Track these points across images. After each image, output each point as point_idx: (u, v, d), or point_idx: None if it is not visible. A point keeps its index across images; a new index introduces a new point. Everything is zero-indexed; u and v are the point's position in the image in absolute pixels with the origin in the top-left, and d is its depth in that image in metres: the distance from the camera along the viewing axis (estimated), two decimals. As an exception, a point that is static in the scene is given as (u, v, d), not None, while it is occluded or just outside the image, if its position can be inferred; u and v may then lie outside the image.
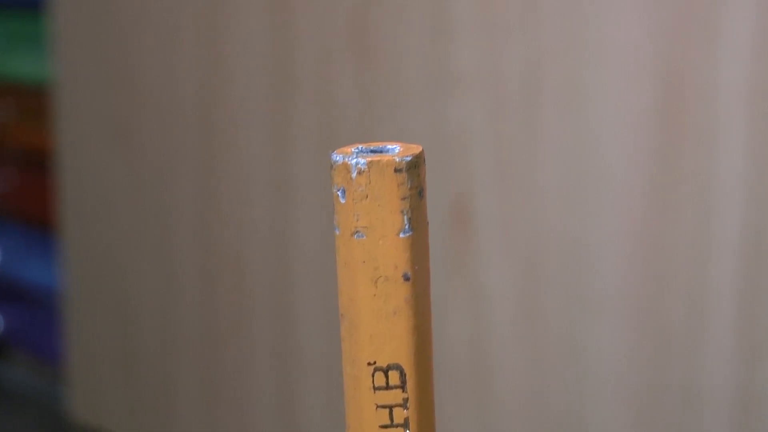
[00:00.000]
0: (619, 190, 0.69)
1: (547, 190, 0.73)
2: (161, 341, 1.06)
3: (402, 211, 0.11)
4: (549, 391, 0.74)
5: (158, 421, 1.08)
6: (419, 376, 0.12)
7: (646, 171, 0.68)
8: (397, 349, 0.12)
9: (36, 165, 1.31)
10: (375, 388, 0.12)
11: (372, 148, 0.12)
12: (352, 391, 0.12)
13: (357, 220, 0.12)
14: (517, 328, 0.75)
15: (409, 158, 0.12)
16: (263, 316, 0.95)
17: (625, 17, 0.68)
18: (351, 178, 0.11)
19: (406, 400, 0.12)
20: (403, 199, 0.12)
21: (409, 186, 0.12)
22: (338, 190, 0.12)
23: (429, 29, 0.78)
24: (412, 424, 0.12)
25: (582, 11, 0.70)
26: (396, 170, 0.11)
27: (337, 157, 0.12)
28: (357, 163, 0.11)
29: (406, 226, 0.12)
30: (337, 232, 0.12)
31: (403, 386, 0.12)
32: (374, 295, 0.12)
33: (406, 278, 0.12)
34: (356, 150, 0.12)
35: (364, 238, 0.11)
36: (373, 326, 0.12)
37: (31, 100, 1.29)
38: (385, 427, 0.12)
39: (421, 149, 0.12)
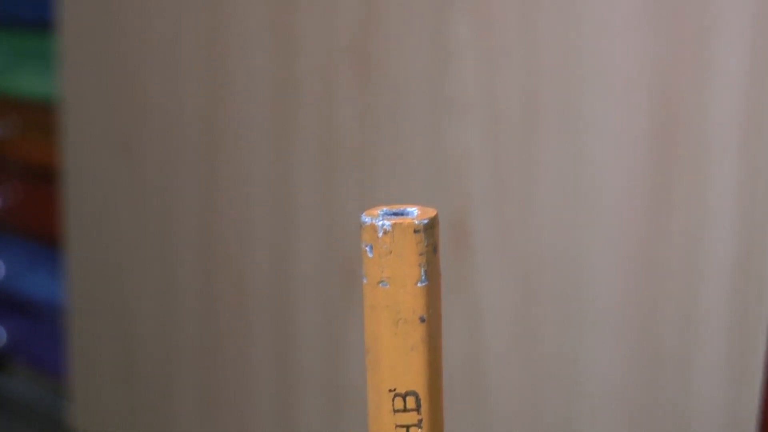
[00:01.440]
0: (613, 213, 0.71)
1: (543, 212, 0.74)
2: (162, 354, 1.07)
3: (419, 265, 0.14)
4: (544, 406, 0.76)
5: (158, 431, 1.09)
6: (432, 401, 0.14)
7: (641, 194, 0.69)
8: (414, 378, 0.14)
9: (39, 179, 1.32)
10: (395, 411, 0.14)
11: (395, 210, 0.14)
12: (375, 413, 0.14)
13: (382, 272, 0.14)
14: (513, 345, 0.77)
15: (426, 221, 0.14)
16: (263, 327, 0.96)
17: (620, 45, 0.69)
18: (377, 237, 0.13)
19: (420, 420, 0.14)
20: (421, 254, 0.14)
21: (425, 244, 0.14)
22: (366, 246, 0.14)
23: (429, 53, 0.79)
24: (426, 440, 0.14)
25: (579, 38, 0.71)
26: (415, 231, 0.14)
27: (366, 218, 0.14)
28: (383, 225, 0.14)
29: (423, 277, 0.14)
30: (365, 281, 0.14)
31: (418, 409, 0.14)
32: (395, 334, 0.14)
33: (422, 320, 0.14)
34: (382, 212, 0.14)
35: (388, 286, 0.14)
36: (394, 360, 0.14)
37: (35, 116, 1.30)
38: (403, 443, 0.14)
39: (435, 212, 0.14)
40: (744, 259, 0.65)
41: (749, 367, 0.66)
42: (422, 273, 0.14)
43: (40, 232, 1.34)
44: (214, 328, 1.01)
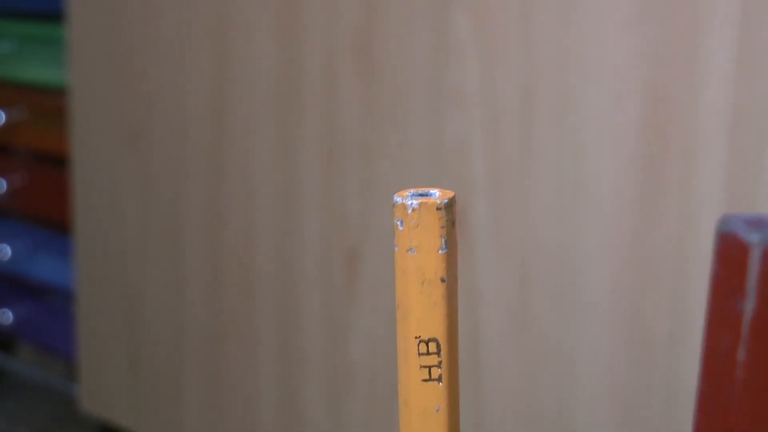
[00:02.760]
0: (607, 202, 0.74)
1: (539, 201, 0.77)
2: (169, 338, 1.09)
3: (441, 236, 0.17)
4: (539, 389, 0.79)
5: (165, 415, 1.11)
6: (449, 346, 0.18)
7: (633, 184, 0.72)
8: (436, 328, 0.17)
9: (47, 165, 1.35)
10: (419, 354, 0.17)
11: (420, 192, 0.17)
12: (404, 357, 0.17)
13: (411, 242, 0.17)
14: (509, 330, 0.80)
15: (446, 201, 0.17)
16: (268, 313, 0.99)
17: (614, 41, 0.72)
18: (407, 213, 0.17)
19: (440, 362, 0.18)
20: (442, 227, 0.17)
21: (446, 219, 0.17)
22: (398, 221, 0.17)
23: (429, 49, 0.82)
24: (444, 378, 0.17)
25: (575, 35, 0.74)
26: (437, 209, 0.17)
27: (398, 198, 0.17)
28: (411, 204, 0.17)
29: (443, 246, 0.17)
30: (396, 249, 0.17)
31: (438, 353, 0.17)
32: (421, 292, 0.17)
33: (443, 281, 0.17)
34: (410, 194, 0.17)
35: (415, 253, 0.17)
36: (420, 313, 0.17)
37: (43, 103, 1.32)
38: (425, 380, 0.18)
39: (453, 194, 0.17)
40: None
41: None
42: (443, 242, 0.17)
43: (47, 217, 1.37)
44: (221, 314, 1.04)
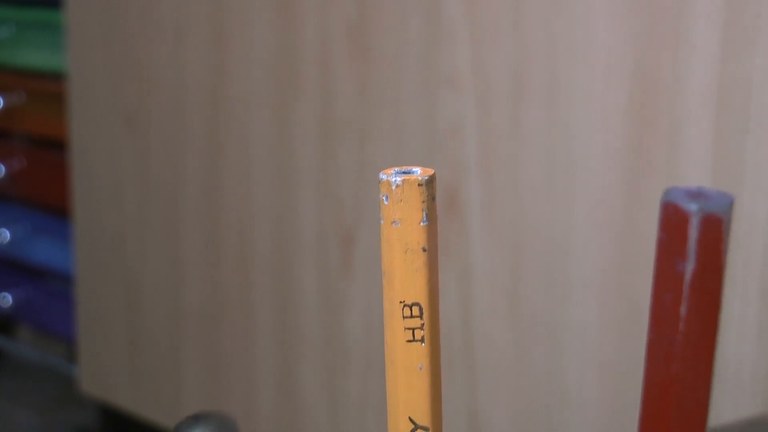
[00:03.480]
0: (596, 181, 0.75)
1: (530, 180, 0.79)
2: (167, 319, 1.11)
3: (422, 210, 0.19)
4: (531, 364, 0.81)
5: (164, 395, 1.13)
6: (431, 310, 0.19)
7: (620, 162, 0.74)
8: (418, 292, 0.19)
9: (45, 150, 1.36)
10: (404, 317, 0.19)
11: (404, 170, 0.19)
12: (390, 320, 0.19)
13: (395, 215, 0.19)
14: (501, 307, 0.82)
15: (426, 177, 0.19)
16: (265, 292, 1.00)
17: (602, 24, 0.74)
18: (392, 189, 0.19)
19: (422, 324, 0.19)
20: (423, 202, 0.19)
21: (426, 194, 0.19)
22: (383, 196, 0.19)
23: (423, 31, 0.83)
24: (426, 339, 0.19)
25: (564, 18, 0.75)
26: (419, 185, 0.19)
27: (383, 176, 0.19)
28: (395, 180, 0.19)
29: (425, 218, 0.19)
30: (382, 222, 0.19)
31: (420, 316, 0.19)
32: (404, 260, 0.19)
33: (424, 250, 0.19)
34: (394, 171, 0.19)
35: (399, 225, 0.19)
36: (404, 279, 0.19)
37: (41, 88, 1.34)
38: (409, 341, 0.19)
39: (433, 172, 0.19)
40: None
41: (723, 323, 0.71)
42: (424, 215, 0.19)
43: (45, 201, 1.38)
44: (218, 295, 1.05)
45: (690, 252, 0.16)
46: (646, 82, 0.72)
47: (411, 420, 0.20)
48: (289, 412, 1.00)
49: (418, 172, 0.19)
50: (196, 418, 0.17)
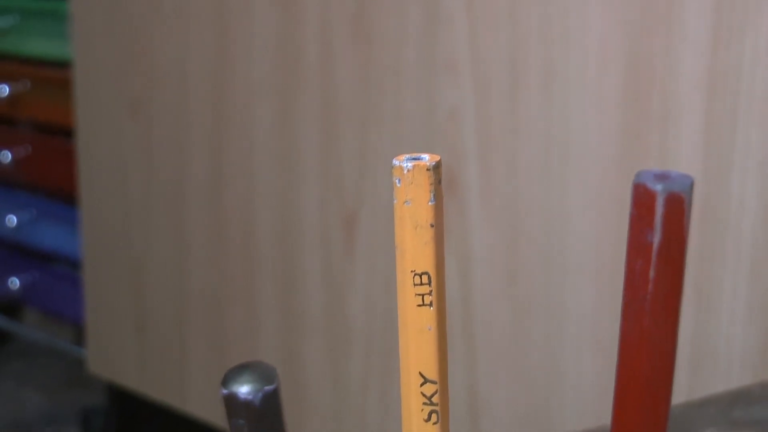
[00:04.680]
0: (591, 164, 0.78)
1: (527, 164, 0.81)
2: (173, 301, 1.13)
3: (430, 191, 0.22)
4: (529, 340, 0.83)
5: (170, 375, 1.15)
6: (438, 278, 0.22)
7: (615, 146, 0.76)
8: (427, 263, 0.22)
9: (51, 136, 1.38)
10: (414, 285, 0.22)
11: (413, 156, 0.22)
12: (402, 287, 0.22)
13: (406, 195, 0.22)
14: (500, 287, 0.84)
15: (434, 163, 0.22)
16: (269, 277, 1.02)
17: (596, 12, 0.76)
18: (403, 173, 0.22)
19: (430, 291, 0.22)
20: (431, 184, 0.22)
21: (434, 178, 0.22)
22: (396, 179, 0.22)
23: (422, 19, 0.85)
24: (434, 303, 0.22)
25: (559, 6, 0.78)
26: (427, 169, 0.22)
27: (396, 162, 0.22)
28: (407, 166, 0.22)
29: (432, 199, 0.22)
30: (396, 201, 0.22)
31: (429, 283, 0.22)
32: (414, 235, 0.22)
33: (432, 226, 0.22)
34: (406, 158, 0.22)
35: (410, 204, 0.22)
36: (413, 251, 0.22)
37: (45, 75, 1.36)
38: (419, 305, 0.22)
39: (439, 158, 0.22)
40: (708, 204, 0.72)
41: (712, 302, 0.73)
42: (432, 196, 0.22)
43: (51, 186, 1.40)
44: (223, 277, 1.07)
45: (657, 225, 0.19)
46: (639, 69, 0.74)
47: (421, 375, 0.23)
48: (292, 392, 1.02)
49: (427, 159, 0.22)
50: (243, 366, 0.20)
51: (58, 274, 1.42)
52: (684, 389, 0.73)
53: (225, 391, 0.20)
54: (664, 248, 0.19)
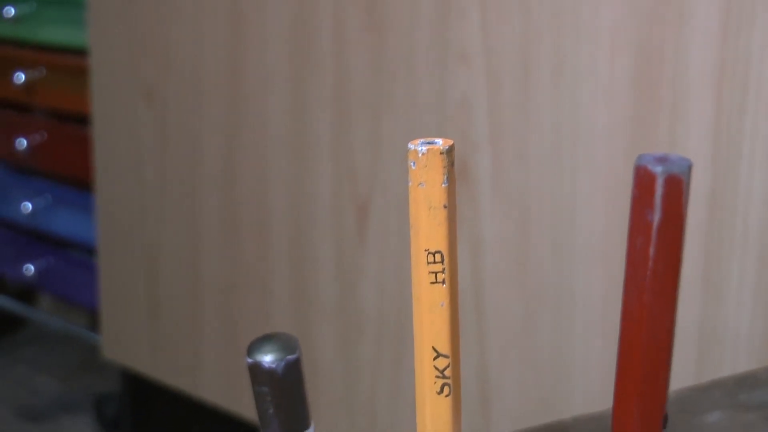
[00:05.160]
0: (600, 151, 0.78)
1: (537, 152, 0.82)
2: (186, 287, 1.14)
3: (443, 173, 0.23)
4: (538, 328, 0.84)
5: (183, 361, 1.16)
6: (450, 257, 0.23)
7: (624, 135, 0.77)
8: (440, 242, 0.23)
9: (64, 123, 1.39)
10: (428, 263, 0.23)
11: (428, 141, 0.23)
12: (416, 265, 0.23)
13: (421, 178, 0.23)
14: (510, 274, 0.85)
15: (447, 147, 0.23)
16: (282, 263, 1.03)
17: (607, 2, 0.76)
18: (418, 156, 0.23)
19: (443, 269, 0.23)
20: (444, 167, 0.23)
21: (447, 161, 0.23)
22: (411, 162, 0.23)
23: (435, 8, 0.86)
24: (447, 280, 0.23)
25: (571, -6, 0.78)
26: (441, 153, 0.23)
27: (411, 145, 0.23)
28: (421, 150, 0.23)
29: (445, 180, 0.23)
30: (410, 183, 0.23)
31: (442, 261, 0.23)
32: (428, 215, 0.23)
33: (444, 207, 0.23)
34: (420, 142, 0.23)
35: (425, 186, 0.23)
36: (428, 231, 0.23)
37: (61, 63, 1.37)
38: (433, 283, 0.23)
39: (452, 142, 0.23)
40: (715, 192, 0.73)
41: (722, 290, 0.74)
42: (445, 178, 0.23)
43: (66, 173, 1.41)
44: (236, 263, 1.08)
45: (656, 205, 0.20)
46: (649, 58, 0.75)
47: (434, 349, 0.24)
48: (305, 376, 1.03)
49: (440, 143, 0.23)
50: (267, 337, 0.21)
51: (72, 260, 1.44)
52: (691, 374, 0.74)
53: (249, 360, 0.21)
54: (664, 227, 0.20)
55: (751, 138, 0.71)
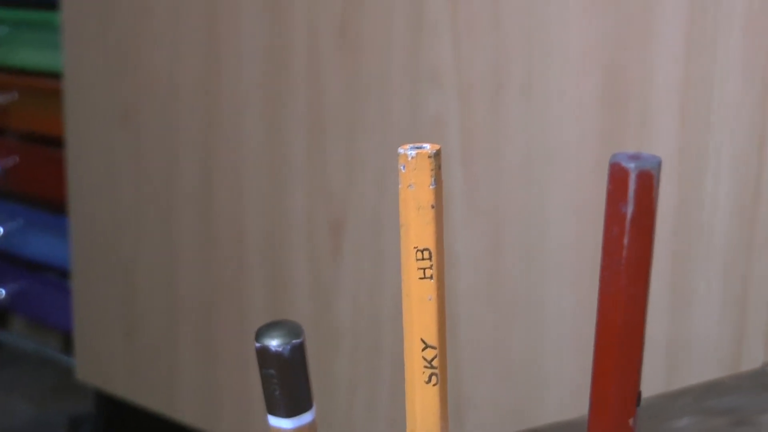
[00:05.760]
0: (571, 170, 0.80)
1: (509, 169, 0.83)
2: (162, 307, 1.15)
3: (431, 176, 0.24)
4: (511, 340, 0.85)
5: (159, 382, 1.16)
6: (438, 254, 0.25)
7: (593, 152, 0.79)
8: (428, 240, 0.24)
9: (37, 146, 1.40)
10: (417, 260, 0.24)
11: (417, 146, 0.25)
12: (406, 261, 0.24)
13: (410, 180, 0.24)
14: (483, 287, 0.86)
15: (434, 152, 0.25)
16: (258, 283, 1.04)
17: (576, 23, 0.78)
18: (408, 160, 0.24)
19: (431, 265, 0.24)
20: (432, 170, 0.24)
21: (434, 164, 0.25)
22: (401, 166, 0.24)
23: (408, 29, 0.88)
24: (434, 276, 0.25)
25: (540, 18, 0.80)
26: (428, 156, 0.24)
27: (401, 150, 0.25)
28: (411, 154, 0.24)
29: (433, 182, 0.25)
30: (400, 185, 0.24)
31: (430, 258, 0.24)
32: (417, 215, 0.24)
33: (432, 207, 0.25)
34: (410, 147, 0.25)
35: (414, 188, 0.24)
36: (416, 230, 0.24)
37: (34, 86, 1.37)
38: (421, 278, 0.25)
39: (439, 147, 0.25)
40: (682, 206, 0.75)
41: (689, 301, 0.76)
42: (432, 180, 0.25)
43: (39, 196, 1.41)
44: (212, 284, 1.09)
45: (630, 198, 0.22)
46: (617, 78, 0.77)
47: (423, 341, 0.25)
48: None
49: (428, 147, 0.25)
50: (273, 323, 0.23)
51: (45, 283, 1.44)
52: (662, 383, 0.76)
53: (258, 345, 0.22)
54: (636, 218, 0.22)
55: (715, 154, 0.73)
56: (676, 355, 0.76)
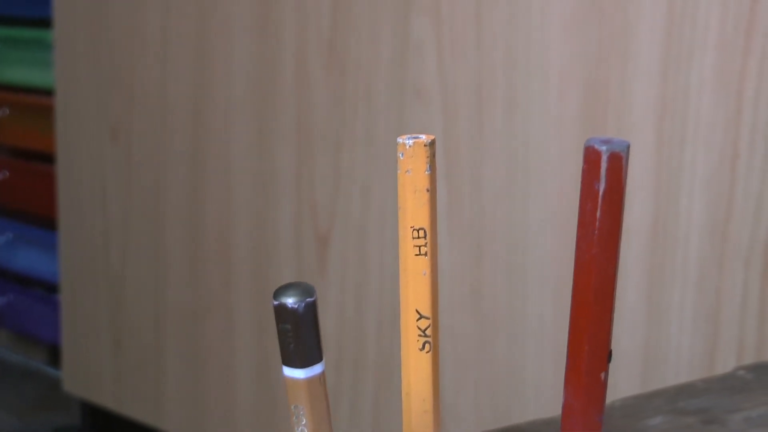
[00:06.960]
0: (551, 186, 0.82)
1: (491, 184, 0.85)
2: (150, 320, 1.16)
3: (426, 162, 0.27)
4: (492, 351, 0.87)
5: (147, 394, 1.17)
6: (432, 233, 0.27)
7: (573, 168, 0.81)
8: (423, 220, 0.27)
9: (27, 162, 1.41)
10: (413, 238, 0.27)
11: (414, 136, 0.27)
12: (403, 239, 0.27)
13: (408, 166, 0.27)
14: (465, 301, 0.88)
15: (429, 141, 0.27)
16: (245, 296, 1.05)
17: (556, 43, 0.81)
18: (406, 148, 0.27)
19: (426, 243, 0.27)
20: (427, 157, 0.27)
21: (429, 152, 0.27)
22: (400, 153, 0.27)
23: (393, 48, 0.90)
24: (429, 252, 0.27)
25: (521, 37, 0.82)
26: (424, 145, 0.27)
27: (400, 140, 0.27)
28: (408, 142, 0.27)
29: (428, 168, 0.27)
30: (399, 171, 0.27)
31: (425, 237, 0.27)
32: (413, 198, 0.27)
33: (427, 190, 0.27)
34: (407, 137, 0.27)
35: (410, 173, 0.27)
36: (413, 210, 0.27)
37: (24, 102, 1.38)
38: (417, 255, 0.27)
39: (434, 137, 0.27)
40: (657, 221, 0.77)
41: (664, 313, 0.78)
42: (428, 166, 0.27)
43: (28, 211, 1.42)
44: (199, 297, 1.10)
45: (602, 176, 0.25)
46: (595, 95, 0.79)
47: (417, 311, 0.28)
48: (267, 406, 1.04)
49: (424, 137, 0.27)
50: (289, 285, 0.25)
51: (33, 296, 1.44)
52: (637, 390, 0.78)
53: (275, 302, 0.25)
54: (608, 194, 0.25)
55: (690, 170, 0.75)
56: (651, 365, 0.78)
